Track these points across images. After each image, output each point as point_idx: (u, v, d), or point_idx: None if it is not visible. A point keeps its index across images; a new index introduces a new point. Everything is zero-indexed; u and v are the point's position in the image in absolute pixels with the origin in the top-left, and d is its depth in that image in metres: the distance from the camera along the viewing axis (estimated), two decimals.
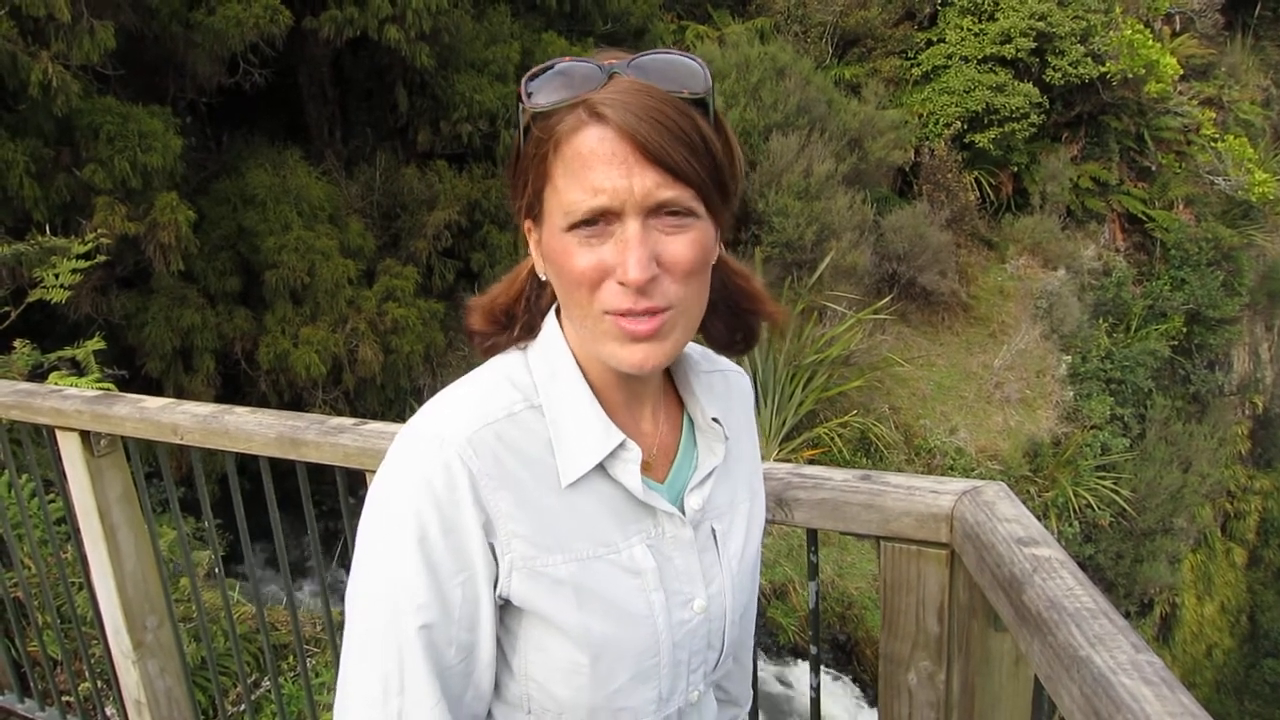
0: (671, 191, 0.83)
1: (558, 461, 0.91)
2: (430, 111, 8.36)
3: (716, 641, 1.02)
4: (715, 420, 1.01)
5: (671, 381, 1.04)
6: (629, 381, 0.95)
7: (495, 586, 0.91)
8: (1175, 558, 11.41)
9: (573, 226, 0.83)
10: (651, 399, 1.00)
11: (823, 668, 6.76)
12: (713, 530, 1.01)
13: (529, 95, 0.85)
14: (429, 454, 0.87)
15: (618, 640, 0.93)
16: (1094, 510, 8.99)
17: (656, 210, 0.83)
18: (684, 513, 0.98)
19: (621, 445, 0.92)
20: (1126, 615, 10.67)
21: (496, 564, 0.90)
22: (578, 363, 0.94)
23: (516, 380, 0.94)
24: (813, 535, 1.40)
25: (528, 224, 0.92)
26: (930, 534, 1.25)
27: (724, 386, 1.07)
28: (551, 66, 0.85)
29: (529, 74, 0.86)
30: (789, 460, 7.69)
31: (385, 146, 8.69)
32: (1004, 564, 1.08)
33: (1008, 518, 1.17)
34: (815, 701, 1.50)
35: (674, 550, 0.97)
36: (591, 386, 0.94)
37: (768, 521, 1.38)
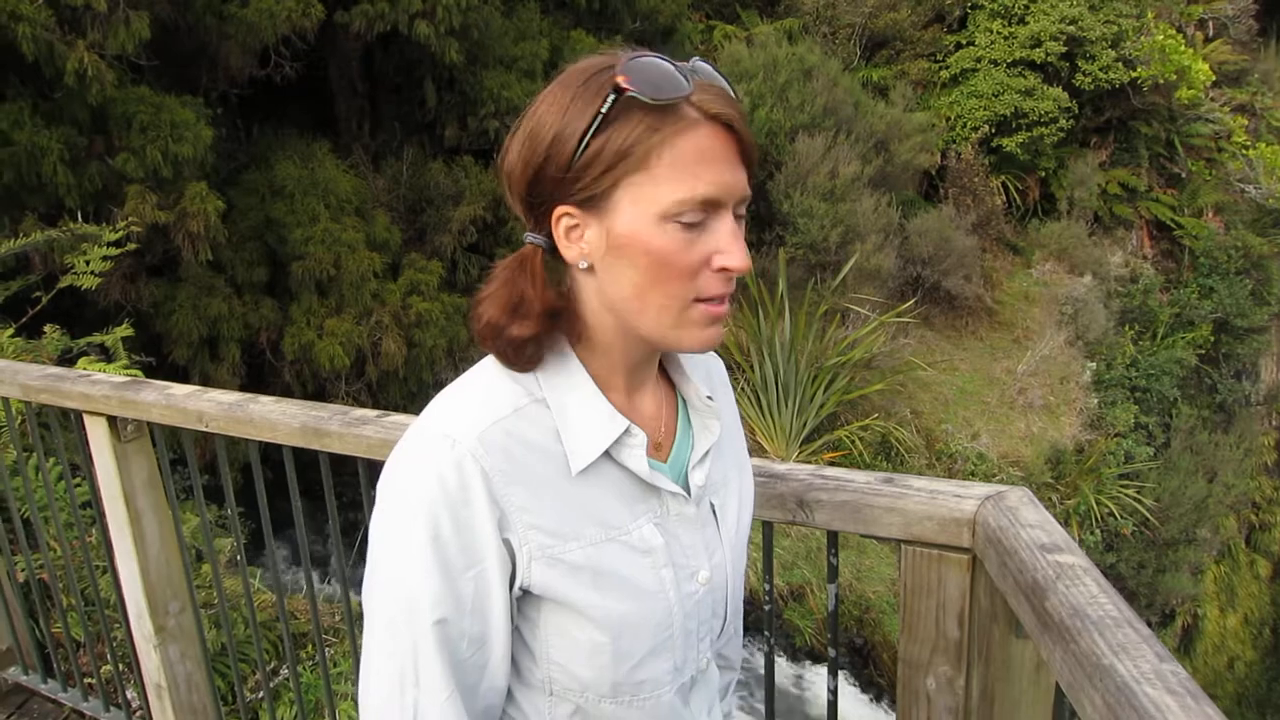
0: (749, 190, 0.92)
1: (566, 451, 0.94)
2: (458, 107, 8.39)
3: (720, 610, 1.07)
4: (709, 398, 1.06)
5: (661, 366, 1.08)
6: (634, 368, 0.99)
7: (513, 580, 0.93)
8: (1198, 569, 11.29)
9: (674, 217, 0.86)
10: (651, 382, 1.04)
11: (840, 671, 6.75)
12: (711, 505, 1.05)
13: (636, 86, 0.85)
14: (440, 453, 0.89)
15: (635, 617, 0.96)
16: (1116, 519, 8.90)
17: (740, 205, 0.91)
18: (688, 490, 1.02)
19: (627, 431, 0.96)
20: (1148, 625, 10.56)
21: (513, 558, 0.92)
22: (576, 355, 0.97)
23: (518, 375, 0.96)
24: (833, 537, 1.40)
25: (569, 212, 0.90)
26: (952, 538, 1.24)
27: (704, 368, 1.13)
28: (645, 59, 0.87)
29: (624, 63, 0.86)
30: (809, 462, 7.66)
31: (413, 141, 8.73)
32: (1026, 570, 1.07)
33: (1031, 523, 1.16)
34: (833, 704, 1.49)
35: (679, 527, 1.01)
36: (594, 377, 0.97)
37: (789, 523, 1.39)
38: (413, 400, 7.79)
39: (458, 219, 8.04)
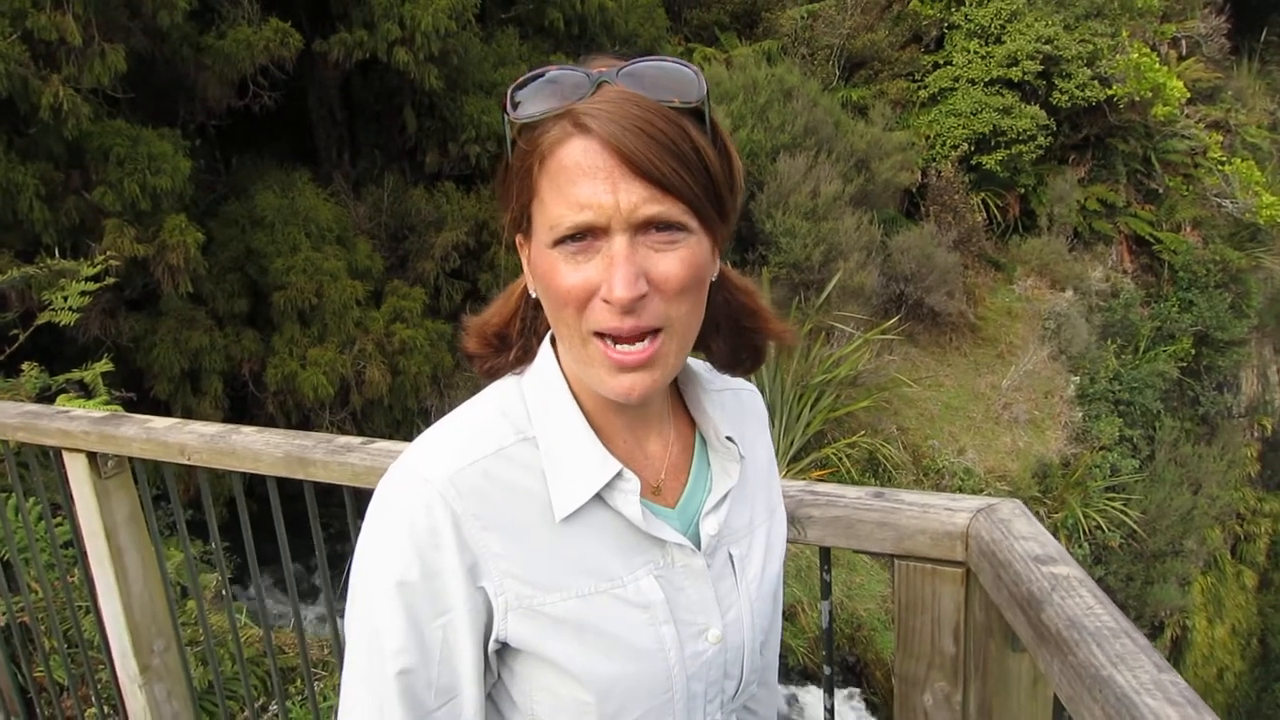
0: (660, 206, 0.79)
1: (551, 495, 0.87)
2: (439, 133, 8.41)
3: (735, 670, 0.98)
4: (729, 439, 0.97)
5: (682, 400, 1.00)
6: (617, 407, 0.91)
7: (489, 631, 0.88)
8: (1185, 580, 11.32)
9: (558, 242, 0.80)
10: (658, 419, 0.96)
11: (820, 681, 6.71)
12: (730, 555, 0.97)
13: (514, 105, 0.82)
14: (412, 494, 0.85)
15: (626, 678, 0.89)
16: (1104, 532, 8.93)
17: (645, 226, 0.80)
18: (700, 537, 0.94)
19: (619, 475, 0.88)
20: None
21: (490, 606, 0.87)
22: (571, 388, 0.91)
23: (509, 411, 0.91)
24: (825, 554, 1.39)
25: (518, 238, 0.89)
26: (945, 552, 1.23)
27: (736, 404, 1.04)
28: (540, 75, 0.82)
29: (516, 83, 0.82)
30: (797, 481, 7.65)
31: (393, 168, 8.73)
32: (1021, 582, 1.06)
33: (1024, 535, 1.15)
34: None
35: (685, 580, 0.92)
36: (587, 412, 0.90)
37: None
38: (398, 428, 7.74)
39: (440, 245, 8.03)
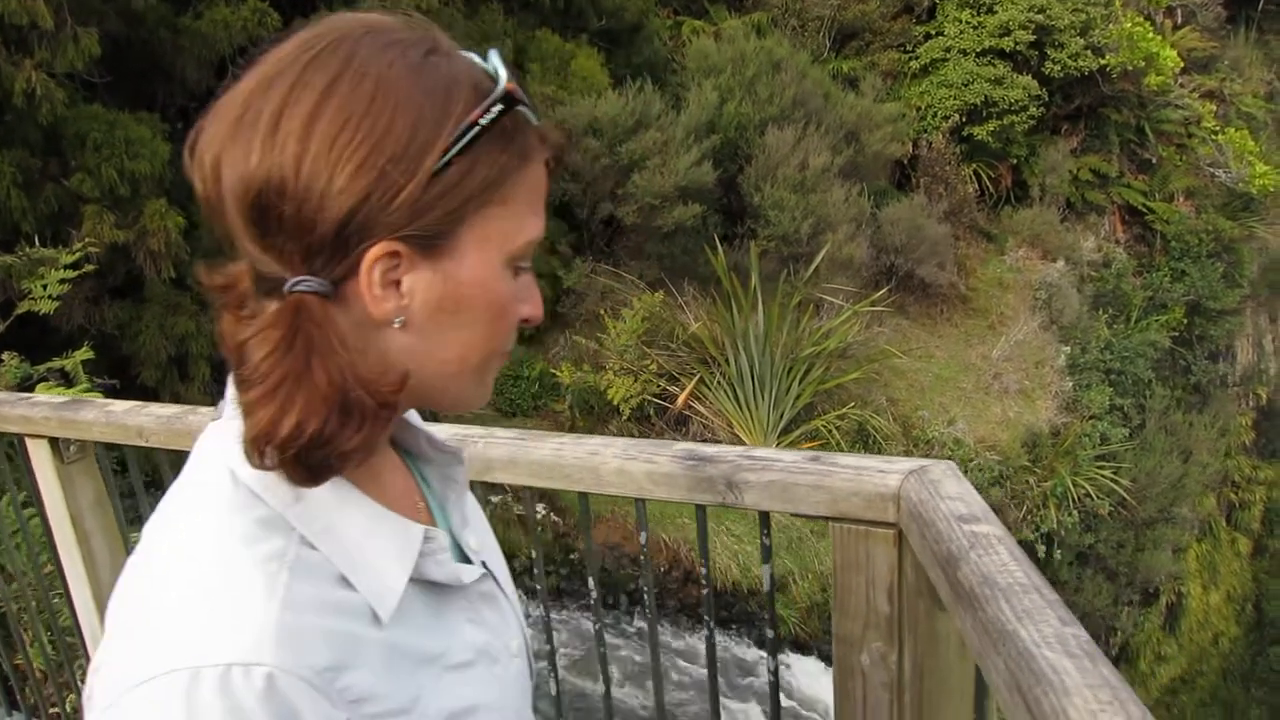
0: None
1: (364, 595, 0.68)
2: None
3: (531, 662, 0.93)
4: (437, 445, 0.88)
5: None
6: (383, 443, 0.79)
7: None
8: (1179, 547, 11.40)
9: (519, 260, 0.74)
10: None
11: (812, 651, 6.75)
12: (484, 564, 0.86)
13: (509, 94, 0.69)
14: (221, 700, 0.58)
15: None
16: (1093, 500, 8.95)
17: None
18: (468, 557, 0.85)
19: (427, 537, 0.75)
20: (1129, 604, 10.66)
21: None
22: None
23: (249, 509, 0.67)
24: (764, 518, 1.39)
25: (396, 251, 0.66)
26: (878, 514, 1.23)
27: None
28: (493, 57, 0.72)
29: (494, 59, 0.71)
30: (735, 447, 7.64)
31: None
32: (943, 541, 1.06)
33: (951, 495, 1.15)
34: (774, 685, 1.48)
35: (484, 606, 0.83)
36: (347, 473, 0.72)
37: (719, 505, 1.37)
38: None
39: None
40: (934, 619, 1.22)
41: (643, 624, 6.64)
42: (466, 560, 0.84)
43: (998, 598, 0.92)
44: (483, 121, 0.67)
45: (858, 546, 1.26)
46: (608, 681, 1.71)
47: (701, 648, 6.71)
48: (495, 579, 0.86)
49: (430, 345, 0.71)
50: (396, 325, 0.69)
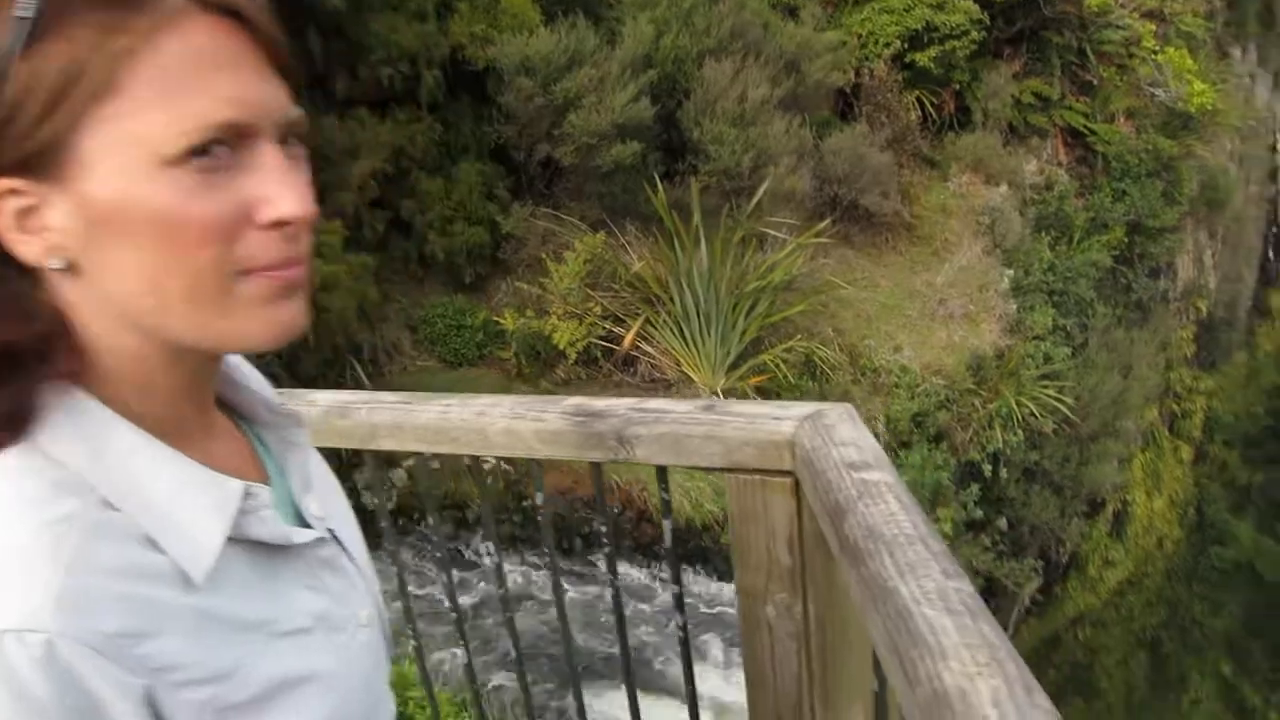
0: (296, 110, 0.66)
1: (174, 558, 0.63)
2: (347, 56, 8.07)
3: (385, 631, 0.87)
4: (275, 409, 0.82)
5: None
6: (196, 398, 0.73)
7: None
8: (1123, 458, 11.70)
9: (184, 157, 0.60)
10: (212, 406, 0.77)
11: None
12: (330, 531, 0.81)
13: None
14: (3, 668, 0.55)
15: (339, 705, 0.74)
16: (1038, 418, 9.10)
17: (284, 135, 0.66)
18: (308, 523, 0.79)
19: (246, 494, 0.69)
20: (1076, 515, 10.96)
21: None
22: (111, 410, 0.66)
23: (50, 479, 0.62)
24: (662, 472, 1.34)
25: (14, 188, 0.60)
26: (774, 462, 1.18)
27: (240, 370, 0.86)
28: None
29: None
30: (737, 389, 7.67)
31: (302, 98, 8.28)
32: (832, 490, 1.02)
33: (844, 441, 1.10)
34: (685, 641, 1.44)
35: (325, 573, 0.78)
36: (153, 430, 0.67)
37: (612, 461, 1.31)
38: (331, 367, 7.59)
39: (357, 174, 7.78)
40: (832, 570, 1.18)
41: (592, 565, 6.69)
42: (306, 526, 0.79)
43: (881, 552, 0.88)
44: (20, 13, 0.56)
45: (754, 497, 1.21)
46: (564, 617, 1.65)
47: (657, 586, 6.79)
48: (343, 545, 0.82)
49: (108, 280, 0.63)
50: (57, 266, 0.62)
